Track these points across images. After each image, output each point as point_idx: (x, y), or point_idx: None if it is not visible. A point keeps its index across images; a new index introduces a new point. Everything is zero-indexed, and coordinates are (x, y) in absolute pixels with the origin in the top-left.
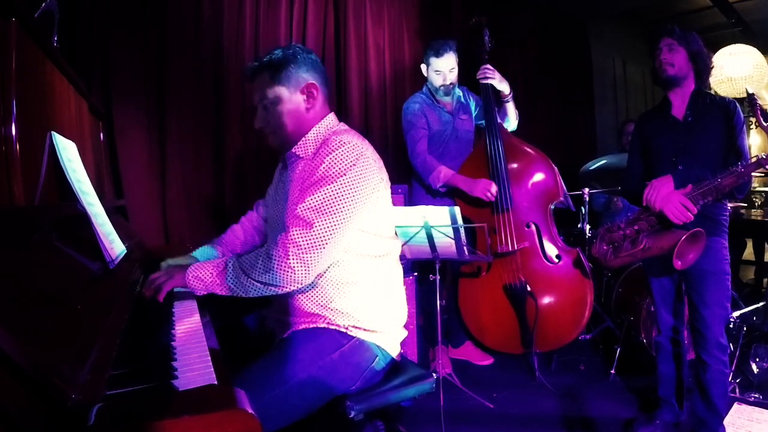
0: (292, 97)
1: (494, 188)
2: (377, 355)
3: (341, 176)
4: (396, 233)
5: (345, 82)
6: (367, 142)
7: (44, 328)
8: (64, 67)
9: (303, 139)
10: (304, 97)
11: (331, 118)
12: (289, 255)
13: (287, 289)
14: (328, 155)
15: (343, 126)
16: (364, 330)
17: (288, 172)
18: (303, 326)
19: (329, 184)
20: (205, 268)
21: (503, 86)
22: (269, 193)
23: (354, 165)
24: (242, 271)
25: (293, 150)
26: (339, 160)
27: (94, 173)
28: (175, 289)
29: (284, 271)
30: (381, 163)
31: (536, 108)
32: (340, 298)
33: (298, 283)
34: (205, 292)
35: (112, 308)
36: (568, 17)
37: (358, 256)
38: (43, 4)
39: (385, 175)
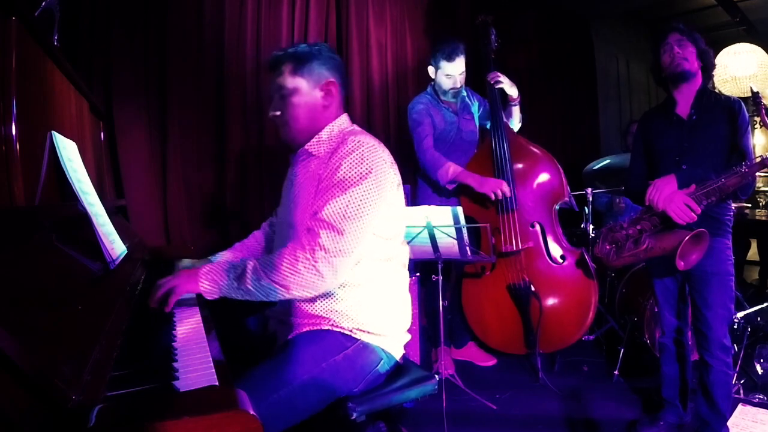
0: (311, 91)
1: (505, 187)
2: (382, 359)
3: (364, 179)
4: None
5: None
6: (381, 143)
7: (45, 328)
8: (65, 66)
9: (317, 136)
10: (323, 93)
11: (345, 118)
12: (317, 259)
13: (309, 295)
14: (348, 156)
15: (357, 128)
16: (369, 333)
17: (296, 169)
18: (307, 328)
19: (354, 187)
20: (220, 272)
21: (513, 90)
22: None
23: (373, 166)
24: (264, 274)
25: (306, 147)
26: (360, 161)
27: (95, 173)
28: None
29: (311, 274)
30: (395, 165)
31: (539, 107)
32: (346, 300)
33: (322, 288)
34: (219, 296)
35: (113, 309)
36: (572, 16)
37: (367, 259)
38: (44, 3)
39: (399, 177)
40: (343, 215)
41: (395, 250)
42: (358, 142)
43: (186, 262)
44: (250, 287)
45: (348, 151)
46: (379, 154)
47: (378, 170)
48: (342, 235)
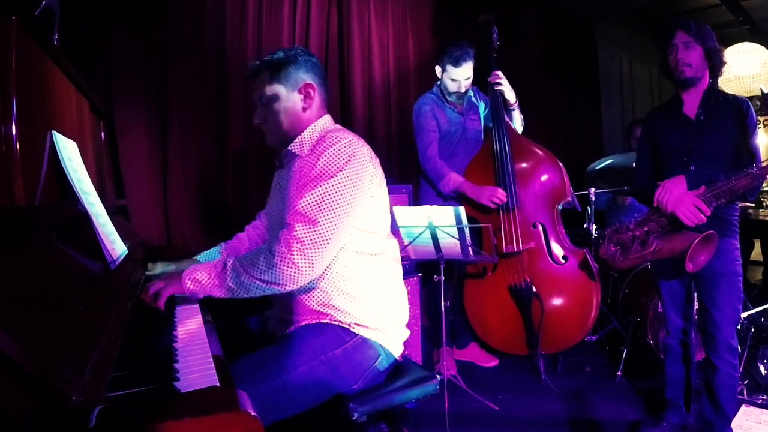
0: (289, 95)
1: (500, 193)
2: (380, 355)
3: (340, 171)
4: (400, 233)
5: (348, 80)
6: (362, 140)
7: (45, 329)
8: (65, 66)
9: (299, 137)
10: (302, 96)
11: (327, 118)
12: (293, 251)
13: (289, 288)
14: (325, 151)
15: (340, 127)
16: (367, 327)
17: (284, 171)
18: (305, 322)
19: (329, 179)
20: (202, 271)
21: (511, 95)
22: (269, 198)
23: (350, 160)
24: (243, 270)
25: (289, 148)
26: (337, 155)
27: (95, 173)
28: None
29: (288, 267)
30: (377, 160)
31: (542, 107)
32: (341, 296)
33: (301, 281)
34: (204, 295)
35: (113, 309)
36: (574, 15)
37: (355, 253)
38: (44, 2)
39: (380, 172)
40: (317, 206)
41: (383, 244)
42: (336, 137)
43: (158, 266)
44: (230, 284)
45: (326, 146)
46: (358, 148)
47: (356, 163)
48: (316, 225)
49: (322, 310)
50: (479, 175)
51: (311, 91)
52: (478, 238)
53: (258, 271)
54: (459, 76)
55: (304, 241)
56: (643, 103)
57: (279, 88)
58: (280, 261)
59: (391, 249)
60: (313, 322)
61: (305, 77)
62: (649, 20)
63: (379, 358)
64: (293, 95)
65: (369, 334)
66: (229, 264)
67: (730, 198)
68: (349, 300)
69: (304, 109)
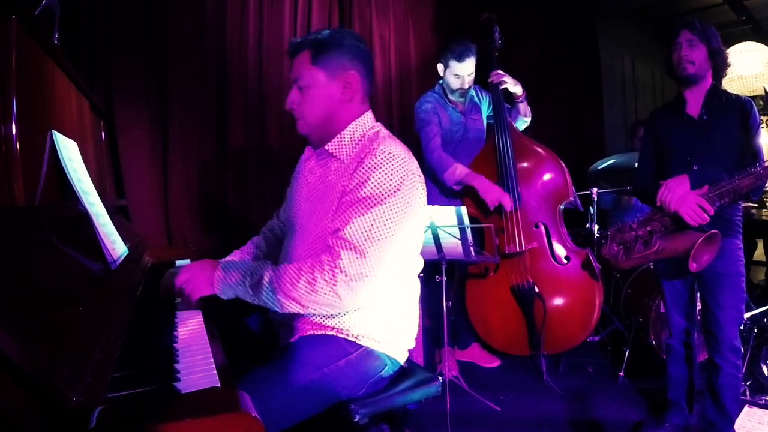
0: (328, 84)
1: (507, 201)
2: (386, 364)
3: (391, 196)
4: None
5: None
6: (409, 151)
7: (45, 329)
8: (65, 66)
9: (338, 136)
10: (342, 87)
11: (368, 117)
12: (337, 282)
13: (327, 313)
14: (376, 169)
15: (383, 130)
16: (375, 341)
17: (312, 165)
18: (310, 331)
19: (379, 205)
20: (236, 279)
21: (517, 89)
22: (291, 190)
23: (402, 183)
24: (279, 289)
25: (326, 147)
26: (388, 177)
27: (96, 173)
28: None
29: (330, 297)
30: (422, 177)
31: (543, 107)
32: (356, 313)
33: (342, 309)
34: (234, 297)
35: (114, 309)
36: (576, 15)
37: (384, 275)
38: (44, 2)
39: (425, 190)
40: (367, 236)
41: (413, 263)
42: (389, 154)
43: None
44: (264, 299)
45: (377, 164)
46: (409, 167)
47: (407, 186)
48: (364, 257)
49: (330, 323)
50: (482, 174)
51: (353, 82)
52: (480, 238)
53: (297, 294)
54: (462, 71)
55: (349, 273)
56: (646, 103)
57: (318, 74)
58: (322, 290)
59: (417, 267)
60: (319, 333)
61: (349, 65)
62: (651, 19)
63: (385, 368)
64: (332, 84)
65: (376, 346)
66: (266, 278)
67: (733, 198)
68: (364, 315)
69: (343, 102)
